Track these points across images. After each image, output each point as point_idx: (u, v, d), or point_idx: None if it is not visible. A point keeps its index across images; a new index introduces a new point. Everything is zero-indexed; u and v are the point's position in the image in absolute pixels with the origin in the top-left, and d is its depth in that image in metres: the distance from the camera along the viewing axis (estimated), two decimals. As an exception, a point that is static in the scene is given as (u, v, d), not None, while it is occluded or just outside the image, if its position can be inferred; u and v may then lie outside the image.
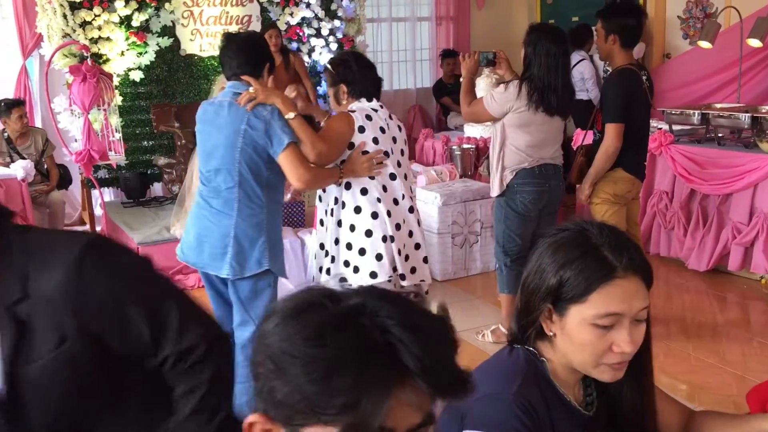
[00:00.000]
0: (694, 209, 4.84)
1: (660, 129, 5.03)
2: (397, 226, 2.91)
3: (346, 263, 2.91)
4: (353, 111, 2.89)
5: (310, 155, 2.71)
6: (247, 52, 2.73)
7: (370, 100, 2.94)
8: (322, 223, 3.04)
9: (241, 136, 2.62)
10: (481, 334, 3.94)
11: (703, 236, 4.74)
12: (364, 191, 2.87)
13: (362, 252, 2.87)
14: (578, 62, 6.40)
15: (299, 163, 2.65)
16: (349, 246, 2.89)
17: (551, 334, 1.22)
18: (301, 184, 2.72)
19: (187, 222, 2.90)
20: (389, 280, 2.90)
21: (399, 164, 2.96)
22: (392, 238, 2.87)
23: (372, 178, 2.86)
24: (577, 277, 1.16)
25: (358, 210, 2.88)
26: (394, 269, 2.90)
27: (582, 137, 3.95)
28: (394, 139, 2.97)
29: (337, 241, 2.93)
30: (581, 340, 1.18)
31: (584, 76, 6.46)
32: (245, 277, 2.71)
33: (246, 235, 2.69)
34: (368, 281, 2.82)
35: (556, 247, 1.20)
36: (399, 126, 3.05)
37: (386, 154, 2.90)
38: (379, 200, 2.88)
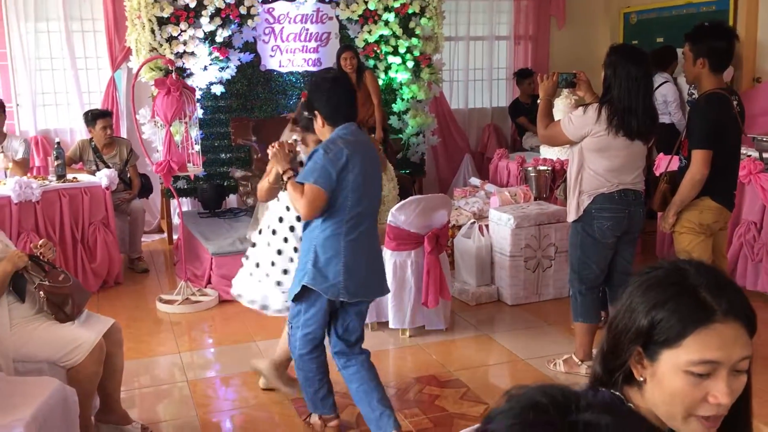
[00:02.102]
0: (784, 242, 4.59)
1: (749, 156, 4.80)
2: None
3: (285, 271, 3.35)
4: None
5: None
6: (353, 97, 2.93)
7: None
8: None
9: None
10: (552, 362, 3.82)
11: (793, 271, 4.49)
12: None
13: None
14: (661, 84, 6.20)
15: None
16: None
17: (641, 379, 1.14)
18: None
19: (347, 266, 2.86)
20: None
21: None
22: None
23: None
24: (670, 319, 1.08)
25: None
26: None
27: (665, 163, 3.79)
28: None
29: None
30: (673, 388, 1.09)
31: (667, 99, 6.24)
32: None
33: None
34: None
35: (648, 285, 1.12)
36: None
37: None
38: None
